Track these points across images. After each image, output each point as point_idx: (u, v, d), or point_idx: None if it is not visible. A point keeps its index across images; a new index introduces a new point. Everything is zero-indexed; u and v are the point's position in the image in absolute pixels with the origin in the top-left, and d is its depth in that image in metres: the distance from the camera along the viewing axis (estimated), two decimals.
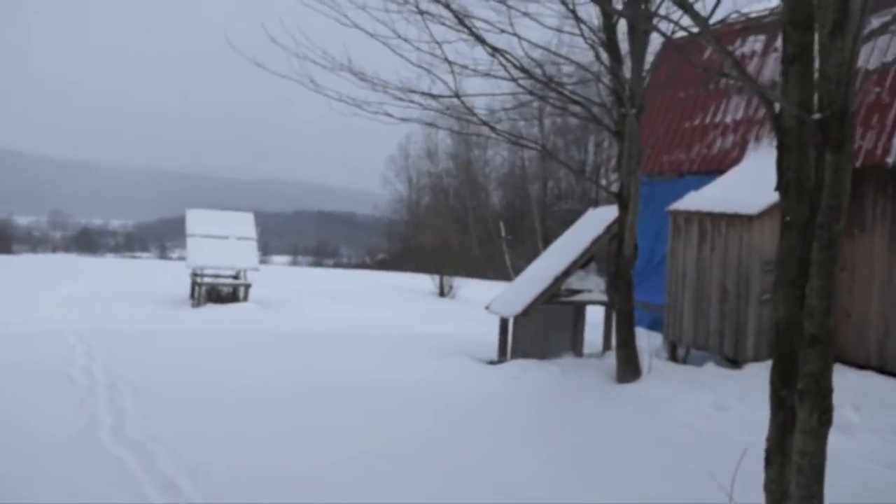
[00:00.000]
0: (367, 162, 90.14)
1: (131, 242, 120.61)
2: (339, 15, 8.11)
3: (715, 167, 13.19)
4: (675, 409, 7.36)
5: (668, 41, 5.65)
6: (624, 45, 8.69)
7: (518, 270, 41.13)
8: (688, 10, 4.06)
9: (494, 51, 8.23)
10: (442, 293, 25.22)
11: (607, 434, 6.71)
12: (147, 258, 78.56)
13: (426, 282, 26.85)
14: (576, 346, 10.35)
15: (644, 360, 8.89)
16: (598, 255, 10.44)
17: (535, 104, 12.09)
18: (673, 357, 10.31)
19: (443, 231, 33.51)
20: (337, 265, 73.97)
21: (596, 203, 42.12)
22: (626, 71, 8.60)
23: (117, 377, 8.30)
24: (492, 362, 9.78)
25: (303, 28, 8.06)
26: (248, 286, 19.36)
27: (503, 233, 44.90)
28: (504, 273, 42.68)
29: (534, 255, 39.60)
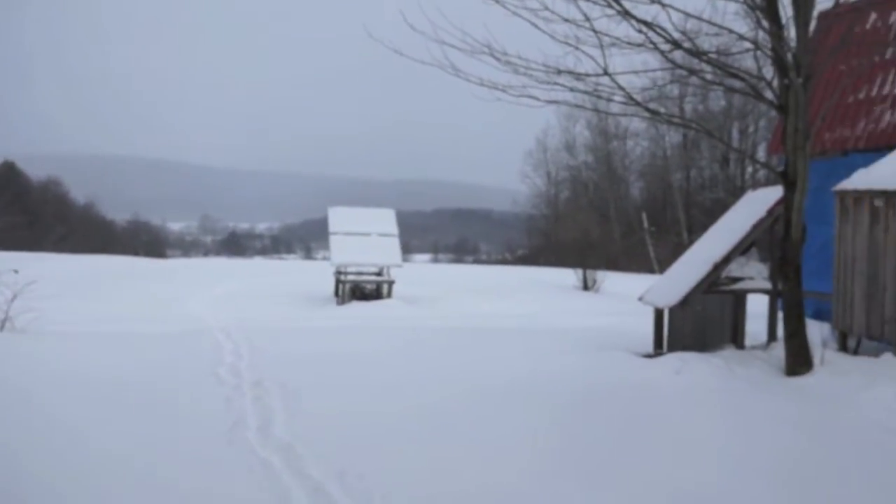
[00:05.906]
0: (503, 159, 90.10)
1: (277, 244, 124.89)
2: None
3: (884, 143, 12.23)
4: (860, 405, 6.68)
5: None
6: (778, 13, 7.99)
7: (662, 262, 40.24)
8: None
9: (643, 25, 7.75)
10: (586, 287, 24.74)
11: (785, 431, 6.15)
12: (293, 259, 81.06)
13: (569, 276, 26.44)
14: (737, 338, 9.70)
15: (815, 351, 8.21)
16: (759, 241, 9.76)
17: (676, 91, 11.48)
18: (843, 348, 9.59)
19: (584, 224, 32.98)
20: (477, 262, 74.30)
21: (741, 191, 40.41)
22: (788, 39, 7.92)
23: (264, 375, 8.23)
24: (648, 356, 9.27)
25: (441, 7, 7.83)
26: (391, 283, 19.43)
27: (646, 224, 43.83)
28: (647, 265, 41.68)
29: (678, 245, 38.63)
